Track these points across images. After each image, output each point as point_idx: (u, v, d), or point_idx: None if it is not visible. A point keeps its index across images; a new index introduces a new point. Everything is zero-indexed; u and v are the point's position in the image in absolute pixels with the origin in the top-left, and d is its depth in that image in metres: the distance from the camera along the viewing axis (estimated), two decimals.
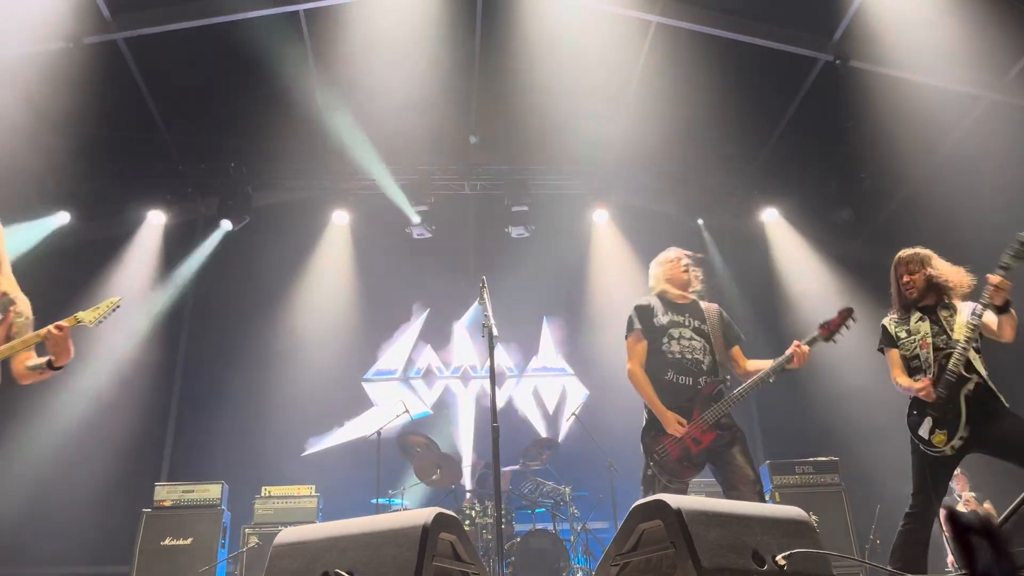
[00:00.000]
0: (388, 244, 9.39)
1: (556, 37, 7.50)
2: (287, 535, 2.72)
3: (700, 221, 9.36)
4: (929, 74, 7.26)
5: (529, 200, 8.99)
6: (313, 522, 6.63)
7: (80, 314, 3.60)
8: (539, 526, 6.76)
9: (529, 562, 6.34)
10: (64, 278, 8.19)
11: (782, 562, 2.36)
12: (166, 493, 6.66)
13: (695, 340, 4.23)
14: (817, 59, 7.60)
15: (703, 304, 4.43)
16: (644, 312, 4.36)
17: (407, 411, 7.47)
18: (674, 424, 4.07)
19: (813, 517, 3.69)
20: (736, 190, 9.32)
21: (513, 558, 6.38)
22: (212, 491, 6.66)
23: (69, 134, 7.42)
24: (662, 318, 4.29)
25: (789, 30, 7.49)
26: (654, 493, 3.70)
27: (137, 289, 8.70)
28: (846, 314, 4.07)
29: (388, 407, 8.42)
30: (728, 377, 4.24)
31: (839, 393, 8.24)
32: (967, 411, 3.81)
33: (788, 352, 4.03)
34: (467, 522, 6.75)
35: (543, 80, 7.81)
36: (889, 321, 4.27)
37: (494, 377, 3.96)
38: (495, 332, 4.03)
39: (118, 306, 3.72)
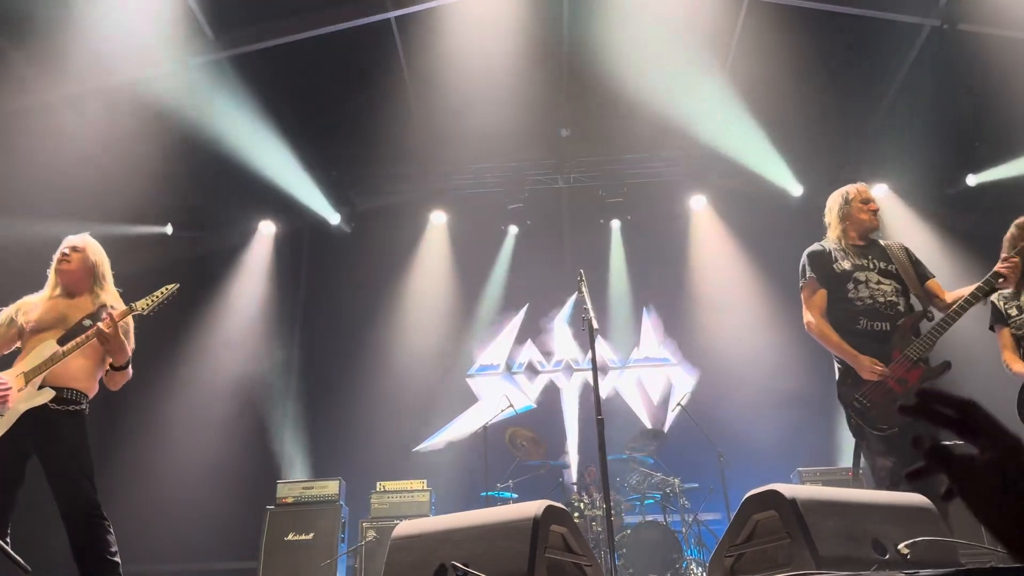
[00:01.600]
0: (485, 241, 9.51)
1: (645, 21, 7.41)
2: (404, 529, 2.81)
3: (805, 198, 9.04)
4: None
5: (624, 190, 8.92)
6: (426, 516, 6.79)
7: (135, 303, 3.67)
8: (649, 518, 6.71)
9: (641, 554, 6.31)
10: (184, 289, 8.68)
11: (905, 551, 2.28)
12: (287, 490, 6.94)
13: (884, 283, 3.82)
14: (923, 25, 7.22)
15: (884, 243, 4.02)
16: (818, 259, 4.00)
17: (511, 405, 7.55)
18: (868, 369, 3.64)
19: None
20: (842, 166, 8.97)
21: (624, 550, 6.36)
22: (330, 487, 6.91)
23: (182, 152, 7.84)
24: (843, 263, 3.90)
25: None
26: (865, 442, 3.67)
27: (252, 296, 9.15)
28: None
29: (492, 402, 8.53)
30: (931, 311, 3.81)
31: (960, 374, 7.82)
32: None
33: (997, 268, 3.55)
34: (576, 514, 6.77)
35: (633, 66, 7.72)
36: (999, 297, 4.03)
37: (596, 369, 3.96)
38: (595, 324, 4.02)
39: (174, 293, 3.78)
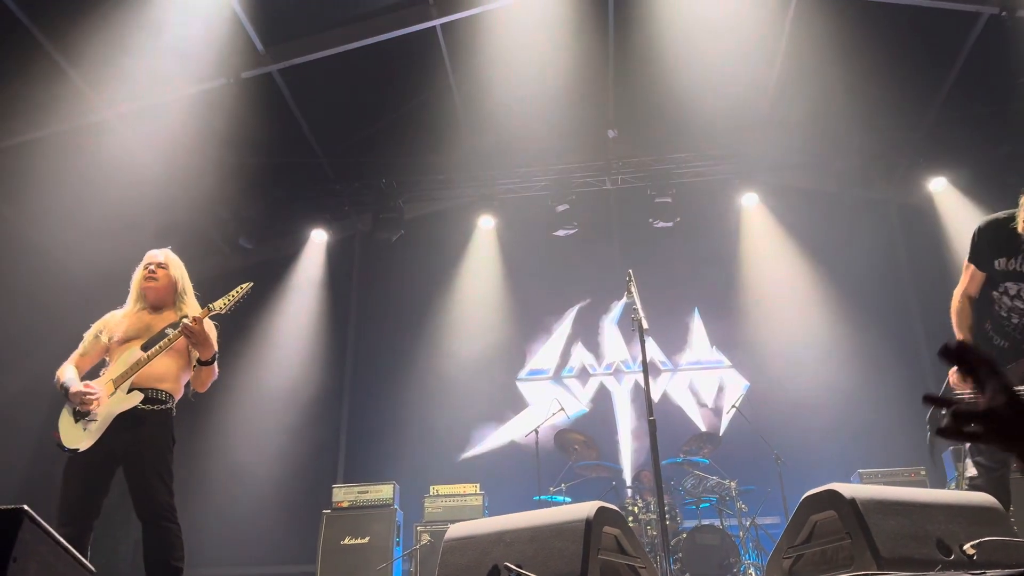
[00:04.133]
0: (533, 245, 9.52)
1: (691, 19, 7.34)
2: (456, 530, 2.82)
3: (857, 192, 8.83)
4: None
5: (672, 190, 8.83)
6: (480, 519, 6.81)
7: (213, 304, 3.82)
8: (705, 522, 6.62)
9: (697, 558, 6.22)
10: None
11: (971, 551, 2.21)
12: (343, 494, 7.03)
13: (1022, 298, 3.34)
14: (980, 13, 7.00)
15: None
16: (991, 235, 3.44)
17: (562, 409, 7.53)
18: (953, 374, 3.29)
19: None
20: (899, 160, 8.75)
21: (680, 554, 6.29)
22: (385, 491, 6.98)
23: (235, 165, 8.02)
24: (1002, 261, 3.37)
25: None
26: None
27: (306, 303, 9.32)
28: None
29: (543, 406, 8.52)
30: None
31: None
32: None
33: None
34: (630, 518, 6.71)
35: (680, 65, 7.66)
36: None
37: (647, 370, 3.93)
38: (645, 325, 3.99)
39: (248, 292, 3.91)
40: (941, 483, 6.61)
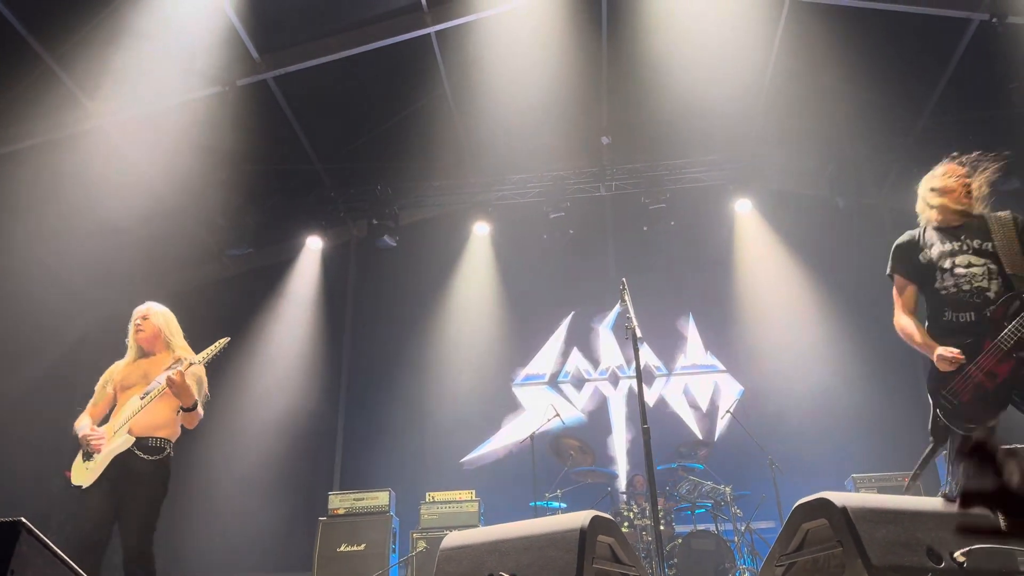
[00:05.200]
0: (528, 251, 9.55)
1: (684, 27, 7.38)
2: (452, 540, 2.84)
3: (850, 201, 8.86)
4: None
5: (666, 196, 8.87)
6: (476, 525, 6.82)
7: (194, 357, 4.19)
8: (700, 527, 6.64)
9: (692, 563, 6.24)
10: (236, 304, 8.92)
11: (961, 559, 2.23)
12: (339, 501, 7.03)
13: (974, 266, 3.48)
14: (971, 19, 7.06)
15: (989, 215, 3.62)
16: (901, 251, 3.71)
17: (557, 415, 7.55)
18: (941, 358, 3.34)
19: None
20: (892, 166, 8.80)
21: (676, 560, 6.30)
22: (381, 498, 6.98)
23: (231, 172, 8.03)
24: (929, 251, 3.60)
25: None
26: (949, 444, 3.30)
27: (301, 310, 9.32)
28: None
29: (539, 412, 8.54)
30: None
31: None
32: None
33: None
34: (625, 524, 6.73)
35: (673, 72, 7.70)
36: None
37: (640, 380, 3.94)
38: (638, 334, 4.01)
39: (225, 347, 4.24)
40: (931, 488, 6.64)
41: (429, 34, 7.57)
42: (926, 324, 3.61)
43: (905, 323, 3.62)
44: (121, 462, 3.94)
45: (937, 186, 3.71)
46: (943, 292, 3.52)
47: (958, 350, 3.30)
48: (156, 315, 4.37)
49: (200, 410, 4.20)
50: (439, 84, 8.19)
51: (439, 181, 9.26)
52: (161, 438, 4.08)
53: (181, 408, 4.12)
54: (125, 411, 4.05)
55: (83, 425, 4.08)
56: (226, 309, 8.73)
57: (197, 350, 4.23)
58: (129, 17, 6.33)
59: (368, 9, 7.38)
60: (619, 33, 7.87)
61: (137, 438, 3.98)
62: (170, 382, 3.93)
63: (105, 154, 7.16)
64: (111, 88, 6.77)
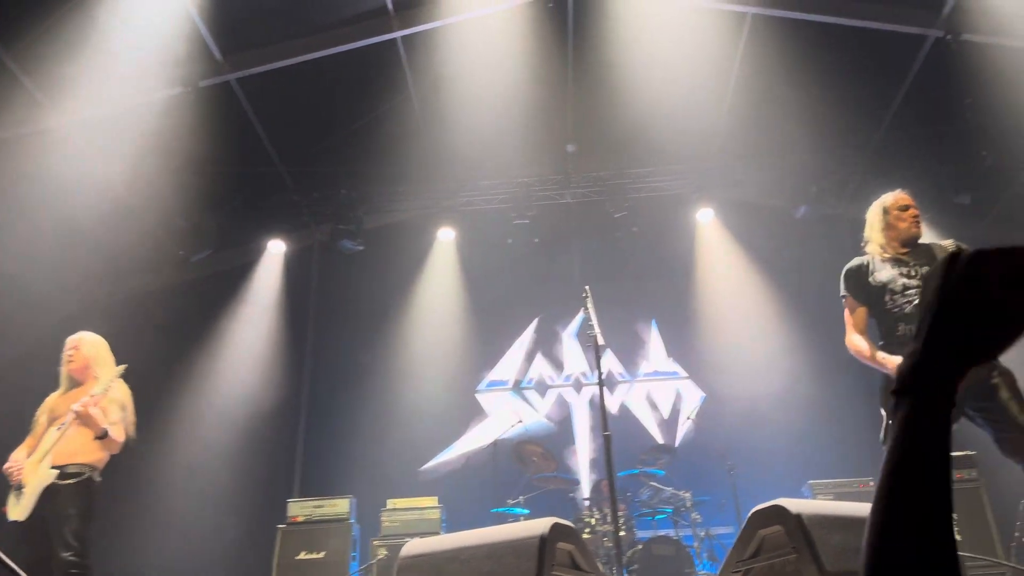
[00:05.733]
0: (493, 257, 9.56)
1: (649, 38, 7.47)
2: (411, 548, 2.83)
3: (810, 211, 9.01)
4: None
5: (630, 204, 8.95)
6: (437, 532, 6.80)
7: (93, 389, 4.32)
8: (661, 533, 6.69)
9: (652, 569, 6.29)
10: (196, 309, 8.79)
11: None
12: (299, 509, 6.95)
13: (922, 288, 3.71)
14: (926, 36, 7.24)
15: (934, 243, 3.86)
16: (853, 276, 3.91)
17: (520, 421, 7.56)
18: (895, 368, 3.46)
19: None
20: (849, 178, 8.98)
21: (636, 565, 6.34)
22: (341, 506, 6.92)
23: (192, 174, 7.91)
24: (879, 275, 3.80)
25: (893, 8, 7.18)
26: None
27: (262, 315, 9.21)
28: None
29: (502, 417, 8.54)
30: None
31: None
32: None
33: None
34: (587, 530, 6.76)
35: (638, 83, 7.78)
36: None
37: (602, 387, 3.98)
38: (600, 341, 4.04)
39: (122, 373, 4.39)
40: None
41: (396, 39, 7.55)
42: (880, 343, 3.75)
43: (857, 341, 3.78)
44: (48, 492, 4.13)
45: (890, 219, 3.91)
46: (895, 310, 3.70)
47: None
48: (86, 345, 4.50)
49: (117, 435, 4.32)
50: (405, 89, 8.17)
51: (404, 186, 9.24)
52: (80, 463, 4.22)
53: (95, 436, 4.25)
54: (45, 442, 4.25)
55: (11, 457, 4.29)
56: (185, 314, 8.59)
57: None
58: (89, 15, 6.21)
59: (334, 12, 7.34)
60: (585, 43, 7.92)
61: (59, 468, 4.16)
62: (76, 414, 4.14)
63: (63, 154, 7.01)
64: (70, 87, 6.63)
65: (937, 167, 8.34)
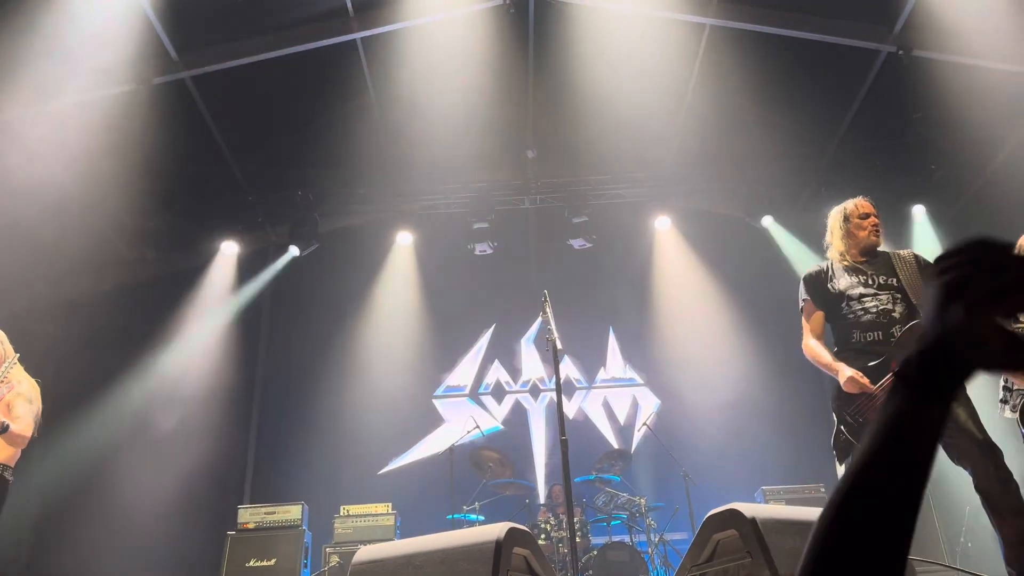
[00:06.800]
0: (451, 262, 9.51)
1: (609, 47, 7.52)
2: (364, 554, 2.77)
3: (766, 221, 9.14)
4: (1000, 59, 6.99)
5: (589, 211, 8.99)
6: (391, 539, 6.71)
7: None
8: (616, 538, 6.70)
9: (607, 574, 6.30)
10: (145, 310, 8.57)
11: None
12: (249, 515, 6.82)
13: (880, 295, 3.70)
14: (879, 51, 7.41)
15: (893, 252, 3.87)
16: (812, 282, 3.92)
17: (477, 427, 7.53)
18: (848, 380, 3.48)
19: None
20: (803, 188, 9.15)
21: (591, 571, 6.34)
22: (293, 512, 6.80)
23: (144, 173, 7.73)
24: (838, 282, 3.82)
25: (848, 23, 7.33)
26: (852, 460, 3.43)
27: (214, 317, 9.01)
28: None
29: (459, 423, 8.49)
30: None
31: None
32: None
33: None
34: (543, 536, 6.75)
35: (598, 91, 7.83)
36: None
37: (560, 391, 3.96)
38: (559, 345, 4.03)
39: (15, 362, 4.28)
40: None
41: (355, 40, 7.48)
42: (835, 348, 3.78)
43: (813, 346, 3.80)
44: None
45: (850, 227, 3.89)
46: (851, 317, 3.72)
47: (863, 375, 3.46)
48: None
49: (23, 430, 4.19)
50: (364, 90, 8.09)
51: (362, 188, 9.15)
52: None
53: None
54: None
55: None
56: (134, 316, 8.35)
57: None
58: (40, 8, 6.04)
59: (292, 12, 7.24)
60: (545, 49, 7.94)
61: None
62: None
63: (10, 150, 6.80)
64: (18, 81, 6.43)
65: (889, 179, 8.53)
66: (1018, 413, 3.55)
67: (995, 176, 7.84)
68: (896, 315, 3.64)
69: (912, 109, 7.80)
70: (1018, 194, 7.18)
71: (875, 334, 3.63)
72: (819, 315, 3.87)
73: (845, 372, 3.50)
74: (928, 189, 8.32)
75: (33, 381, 4.32)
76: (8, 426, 4.09)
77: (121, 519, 7.83)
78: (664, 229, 9.55)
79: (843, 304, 3.77)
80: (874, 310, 3.68)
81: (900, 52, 7.24)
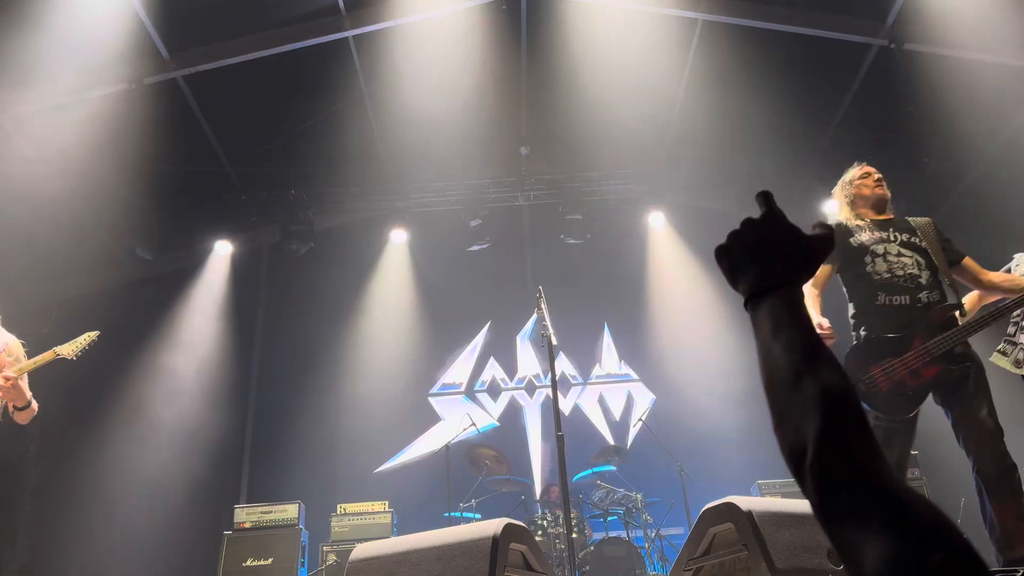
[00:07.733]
0: (446, 260, 9.50)
1: (601, 43, 7.52)
2: (361, 551, 2.77)
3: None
4: (991, 52, 7.01)
5: (583, 207, 8.99)
6: (389, 537, 6.71)
7: (59, 348, 4.08)
8: (612, 534, 6.71)
9: (604, 570, 6.30)
10: (139, 311, 8.55)
11: None
12: (246, 515, 6.81)
13: (904, 255, 3.58)
14: (871, 45, 7.42)
15: (910, 218, 3.77)
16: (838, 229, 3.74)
17: (473, 424, 7.53)
18: (819, 327, 3.41)
19: None
20: (796, 183, 9.15)
21: (588, 567, 6.35)
22: (290, 511, 6.80)
23: (136, 172, 7.71)
24: (860, 236, 3.66)
25: (839, 17, 7.34)
26: None
27: (208, 317, 8.99)
28: None
29: (455, 421, 8.49)
30: (963, 303, 3.55)
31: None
32: None
33: None
34: (539, 532, 6.75)
35: (591, 86, 7.82)
36: None
37: (555, 386, 3.96)
38: (554, 341, 4.03)
39: (95, 340, 4.18)
40: None
41: (347, 38, 7.47)
42: (853, 310, 3.68)
43: (810, 295, 3.66)
44: None
45: (853, 189, 3.87)
46: (876, 277, 3.58)
47: (829, 327, 3.41)
48: None
49: (34, 405, 4.09)
50: (357, 89, 8.07)
51: (356, 187, 9.13)
52: None
53: (14, 407, 4.06)
54: None
55: None
56: (128, 316, 8.33)
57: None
58: (31, 9, 6.01)
59: (284, 10, 7.22)
60: (538, 46, 7.94)
61: None
62: (2, 389, 3.92)
63: (3, 152, 6.78)
64: (10, 83, 6.41)
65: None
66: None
67: (988, 168, 7.86)
68: (923, 281, 3.54)
69: (904, 103, 7.81)
70: (1011, 186, 7.20)
71: (902, 298, 3.51)
72: (827, 268, 3.72)
73: (816, 319, 3.46)
74: (921, 182, 8.32)
75: (18, 341, 4.18)
76: (30, 403, 4.02)
77: (117, 519, 7.82)
78: (659, 225, 9.56)
79: (866, 258, 3.63)
80: (900, 272, 3.56)
81: (892, 46, 7.25)
